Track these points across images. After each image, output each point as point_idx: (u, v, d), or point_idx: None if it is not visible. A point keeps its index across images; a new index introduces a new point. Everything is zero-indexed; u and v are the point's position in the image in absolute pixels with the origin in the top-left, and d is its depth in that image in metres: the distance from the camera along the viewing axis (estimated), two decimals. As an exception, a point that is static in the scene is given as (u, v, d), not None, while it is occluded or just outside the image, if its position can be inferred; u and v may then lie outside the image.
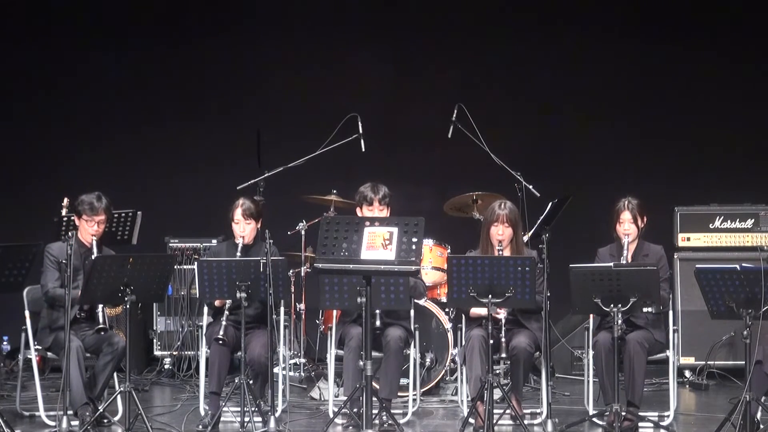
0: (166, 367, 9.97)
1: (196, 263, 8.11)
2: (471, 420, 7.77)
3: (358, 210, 8.38)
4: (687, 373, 9.67)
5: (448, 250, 9.22)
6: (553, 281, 7.81)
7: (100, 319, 7.82)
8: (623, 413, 7.73)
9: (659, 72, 10.88)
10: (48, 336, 8.04)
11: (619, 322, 7.48)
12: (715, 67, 10.79)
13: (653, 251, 8.12)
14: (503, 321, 7.73)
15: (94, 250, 7.93)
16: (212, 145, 11.01)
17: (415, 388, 8.40)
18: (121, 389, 7.61)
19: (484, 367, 7.67)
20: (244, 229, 8.19)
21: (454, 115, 9.59)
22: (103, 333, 7.84)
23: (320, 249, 6.88)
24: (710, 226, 9.85)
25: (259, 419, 7.75)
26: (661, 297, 7.71)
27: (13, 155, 10.95)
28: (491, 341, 7.55)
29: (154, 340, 10.09)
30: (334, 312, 8.40)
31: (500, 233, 8.01)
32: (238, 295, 7.72)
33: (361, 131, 9.60)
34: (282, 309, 8.33)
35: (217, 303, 8.02)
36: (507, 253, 8.01)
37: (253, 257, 7.93)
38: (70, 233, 7.88)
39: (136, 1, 11.14)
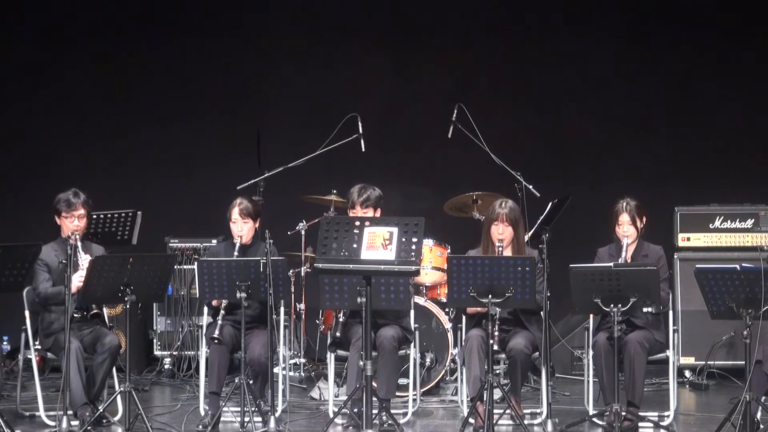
0: (166, 367, 9.97)
1: (196, 263, 8.11)
2: (471, 420, 7.77)
3: (348, 211, 8.39)
4: (687, 373, 9.66)
5: (448, 250, 9.21)
6: (553, 281, 7.81)
7: (94, 309, 7.84)
8: (623, 413, 7.74)
9: (659, 72, 10.87)
10: (47, 338, 8.04)
11: (619, 321, 7.48)
12: (714, 67, 10.78)
13: (653, 251, 8.13)
14: (498, 318, 7.72)
15: (79, 245, 7.85)
16: (212, 145, 11.00)
17: (415, 388, 8.40)
18: (121, 389, 7.61)
19: (483, 368, 7.66)
20: (241, 228, 8.18)
21: (454, 115, 9.58)
22: (98, 319, 7.86)
23: (320, 249, 6.88)
24: (710, 226, 9.84)
25: (259, 419, 7.76)
26: (660, 297, 7.72)
27: (13, 155, 10.94)
28: (491, 341, 7.56)
29: (154, 340, 10.09)
30: (334, 312, 8.40)
31: (500, 232, 8.00)
32: (238, 295, 7.72)
33: (361, 131, 9.59)
34: (282, 309, 8.33)
35: (213, 303, 8.02)
36: (508, 252, 8.01)
37: (251, 257, 7.93)
38: (71, 233, 7.90)
39: (136, 1, 11.14)
